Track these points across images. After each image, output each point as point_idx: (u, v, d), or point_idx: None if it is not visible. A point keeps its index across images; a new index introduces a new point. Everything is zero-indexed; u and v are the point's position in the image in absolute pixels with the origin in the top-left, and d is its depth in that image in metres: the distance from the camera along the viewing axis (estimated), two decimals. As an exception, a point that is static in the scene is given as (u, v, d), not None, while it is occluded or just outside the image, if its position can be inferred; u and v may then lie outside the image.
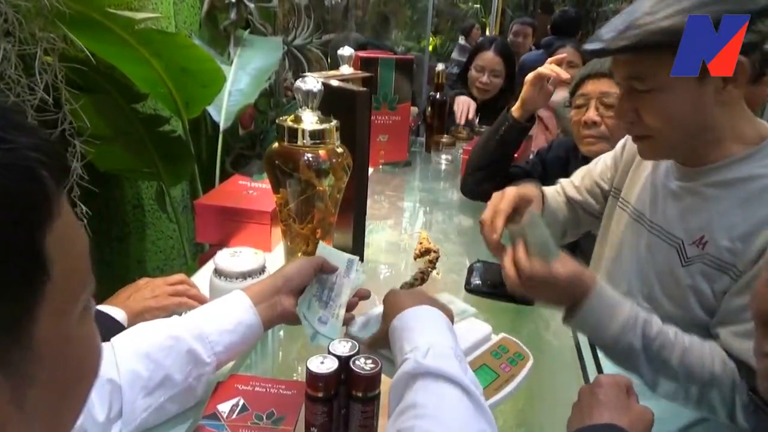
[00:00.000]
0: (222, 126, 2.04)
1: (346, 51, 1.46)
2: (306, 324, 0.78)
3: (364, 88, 1.04)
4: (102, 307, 0.82)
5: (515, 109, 1.37)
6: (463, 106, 2.04)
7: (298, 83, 0.92)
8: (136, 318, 0.83)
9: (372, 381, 0.65)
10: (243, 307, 0.73)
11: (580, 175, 1.15)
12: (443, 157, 1.91)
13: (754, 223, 0.78)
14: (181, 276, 0.97)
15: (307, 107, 0.93)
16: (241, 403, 0.71)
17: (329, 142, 0.93)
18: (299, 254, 1.02)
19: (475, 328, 0.86)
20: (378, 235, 1.35)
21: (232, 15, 2.32)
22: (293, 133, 0.92)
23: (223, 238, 1.20)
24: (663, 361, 0.78)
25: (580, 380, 0.87)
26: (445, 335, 0.65)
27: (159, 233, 2.18)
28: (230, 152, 2.42)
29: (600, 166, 1.11)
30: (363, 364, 0.65)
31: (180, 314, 0.92)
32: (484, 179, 1.46)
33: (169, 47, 1.53)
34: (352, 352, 0.68)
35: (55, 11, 0.68)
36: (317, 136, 0.92)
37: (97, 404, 0.60)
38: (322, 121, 0.93)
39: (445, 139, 1.92)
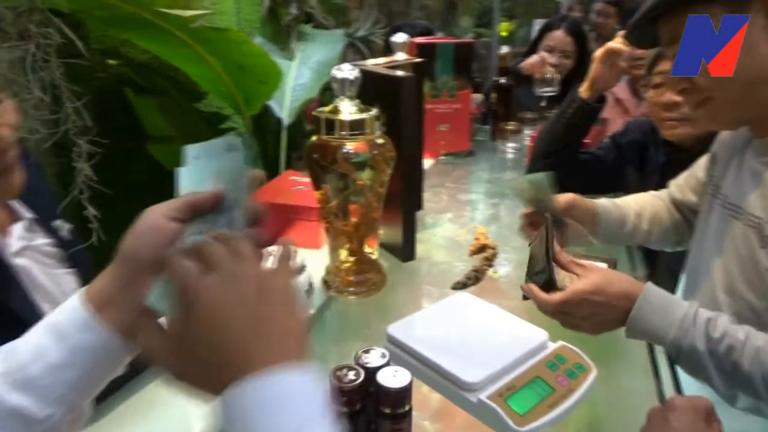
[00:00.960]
0: (285, 121, 2.03)
1: (399, 37, 1.39)
2: None
3: (411, 74, 0.97)
4: None
5: (583, 89, 1.25)
6: (537, 59, 1.91)
7: (334, 71, 0.86)
8: None
9: (401, 396, 0.58)
10: (76, 323, 0.48)
11: (685, 174, 1.04)
12: (510, 145, 1.80)
13: None
14: None
15: (345, 96, 0.87)
16: (267, 413, 0.67)
17: (369, 133, 0.87)
18: (343, 252, 0.97)
19: (529, 334, 0.77)
20: (435, 229, 1.27)
21: (293, 10, 2.31)
22: (330, 125, 0.86)
23: (273, 235, 1.17)
24: (733, 365, 0.68)
25: (654, 399, 0.76)
26: None
27: (227, 230, 2.22)
28: (297, 148, 2.43)
29: (703, 159, 0.99)
30: (391, 377, 0.59)
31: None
32: (552, 167, 1.34)
33: (223, 44, 1.52)
34: (380, 363, 0.61)
35: (49, 4, 0.66)
36: (355, 126, 0.86)
37: None
38: (360, 111, 0.87)
39: (511, 126, 1.80)
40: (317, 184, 0.93)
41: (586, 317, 0.75)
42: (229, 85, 1.69)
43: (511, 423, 0.64)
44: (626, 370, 0.84)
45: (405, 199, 1.03)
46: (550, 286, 0.78)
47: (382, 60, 1.23)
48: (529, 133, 1.73)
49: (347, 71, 0.86)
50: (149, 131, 1.72)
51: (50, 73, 0.50)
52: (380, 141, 0.89)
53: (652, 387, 0.79)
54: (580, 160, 1.38)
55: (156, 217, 0.48)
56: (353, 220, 0.93)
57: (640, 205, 1.04)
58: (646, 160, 1.34)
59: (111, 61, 1.57)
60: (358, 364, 0.61)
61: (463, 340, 0.77)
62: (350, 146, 0.87)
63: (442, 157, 1.71)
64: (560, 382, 0.70)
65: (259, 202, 0.47)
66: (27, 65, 0.52)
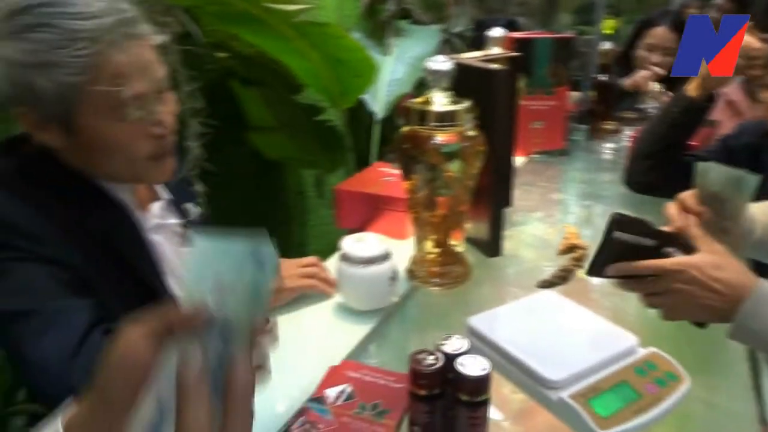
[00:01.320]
0: (379, 115, 2.08)
1: (495, 32, 1.38)
2: None
3: (505, 67, 0.96)
4: None
5: (691, 87, 1.17)
6: (645, 74, 1.84)
7: (428, 63, 0.87)
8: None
9: (479, 385, 0.58)
10: None
11: None
12: (608, 145, 1.72)
13: None
14: (313, 258, 0.99)
15: (438, 88, 0.88)
16: (348, 390, 0.70)
17: (460, 125, 0.87)
18: (429, 243, 0.98)
19: (617, 337, 0.74)
20: (523, 227, 1.25)
21: (390, 6, 2.34)
22: (422, 116, 0.88)
23: (362, 224, 1.20)
24: None
25: (754, 423, 0.71)
26: None
27: (319, 219, 2.30)
28: (389, 142, 2.47)
29: None
30: (470, 365, 0.59)
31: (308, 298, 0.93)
32: (653, 169, 1.28)
33: (322, 38, 1.58)
34: (460, 350, 0.62)
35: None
36: (446, 117, 0.87)
37: None
38: (452, 103, 0.88)
39: (609, 125, 1.73)
40: (407, 175, 0.94)
41: (679, 293, 0.68)
42: (326, 78, 1.75)
43: (593, 425, 0.62)
44: (725, 389, 0.79)
45: (494, 194, 1.02)
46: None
47: (477, 54, 1.22)
48: (628, 134, 1.66)
49: (441, 63, 0.87)
50: (251, 121, 1.82)
51: (169, 58, 0.55)
52: (471, 133, 0.89)
53: (752, 410, 0.74)
54: (686, 162, 1.30)
55: (131, 344, 0.38)
56: (440, 211, 0.94)
57: (764, 215, 0.96)
58: (761, 165, 1.24)
59: (220, 54, 1.67)
60: (438, 349, 0.62)
61: (546, 337, 0.75)
62: (441, 137, 0.87)
63: (535, 156, 1.67)
64: (648, 389, 0.67)
65: (266, 318, 0.38)
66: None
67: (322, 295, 0.96)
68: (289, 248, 2.26)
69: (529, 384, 0.70)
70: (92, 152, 0.74)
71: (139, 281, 0.78)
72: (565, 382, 0.67)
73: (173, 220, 0.88)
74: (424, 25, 2.57)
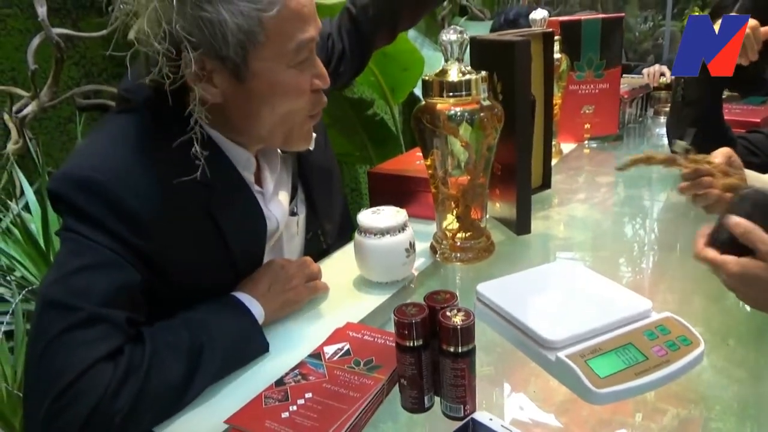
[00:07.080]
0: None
1: (538, 14, 1.36)
2: None
3: (526, 39, 0.94)
4: (241, 296, 0.78)
5: None
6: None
7: (442, 35, 0.88)
8: (274, 314, 0.81)
9: (462, 335, 0.58)
10: None
11: None
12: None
13: None
14: (306, 258, 0.92)
15: (453, 59, 0.88)
16: (346, 347, 0.71)
17: (474, 94, 0.87)
18: (450, 217, 0.97)
19: (629, 302, 0.71)
20: (561, 208, 1.21)
21: (446, 3, 2.35)
22: (437, 87, 0.88)
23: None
24: None
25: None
26: None
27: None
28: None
29: None
30: (453, 316, 0.58)
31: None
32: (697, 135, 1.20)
33: (367, 31, 1.61)
34: (445, 304, 0.61)
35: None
36: (460, 88, 0.86)
37: None
38: (467, 73, 0.87)
39: (668, 109, 1.63)
40: (426, 150, 0.94)
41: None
42: (376, 72, 1.79)
43: (588, 384, 0.60)
44: (752, 366, 0.73)
45: (520, 169, 1.00)
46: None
47: (509, 32, 1.21)
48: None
49: (455, 34, 0.87)
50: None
51: (172, 27, 0.58)
52: (486, 103, 0.89)
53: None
54: (750, 139, 1.21)
55: None
56: (459, 185, 0.94)
57: None
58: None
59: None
60: (426, 302, 0.62)
61: (554, 302, 0.73)
62: (456, 108, 0.87)
63: (586, 142, 1.61)
64: (656, 351, 0.64)
65: None
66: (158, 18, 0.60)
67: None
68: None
69: (530, 346, 0.68)
70: (256, 104, 0.72)
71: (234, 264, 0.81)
72: (564, 343, 0.65)
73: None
74: (482, 21, 2.55)
